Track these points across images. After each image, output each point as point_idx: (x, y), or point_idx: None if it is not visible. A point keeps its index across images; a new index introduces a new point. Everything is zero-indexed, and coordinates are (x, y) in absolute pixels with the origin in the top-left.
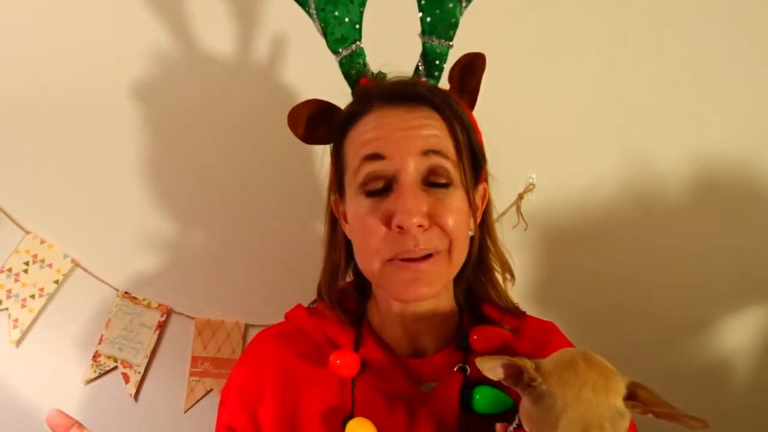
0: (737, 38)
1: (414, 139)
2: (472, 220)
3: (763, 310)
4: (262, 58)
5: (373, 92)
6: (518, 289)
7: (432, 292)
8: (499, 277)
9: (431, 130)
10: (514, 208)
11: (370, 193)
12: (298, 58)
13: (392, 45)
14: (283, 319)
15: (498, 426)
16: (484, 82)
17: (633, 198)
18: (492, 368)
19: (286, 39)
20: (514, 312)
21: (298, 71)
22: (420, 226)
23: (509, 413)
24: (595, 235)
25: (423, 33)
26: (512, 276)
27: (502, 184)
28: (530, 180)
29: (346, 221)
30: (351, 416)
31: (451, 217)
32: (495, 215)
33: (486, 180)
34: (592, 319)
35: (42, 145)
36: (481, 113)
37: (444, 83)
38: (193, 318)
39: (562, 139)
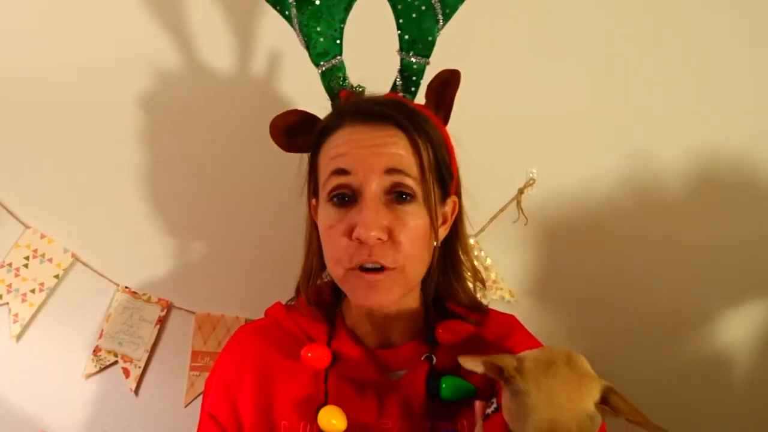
0: (737, 34)
1: (378, 156)
2: (438, 232)
3: (762, 304)
4: (260, 62)
5: (345, 108)
6: (518, 283)
7: (390, 300)
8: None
9: (395, 148)
10: (515, 203)
11: (336, 204)
12: (294, 64)
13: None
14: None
15: (477, 404)
16: (483, 77)
17: (633, 193)
18: (473, 366)
19: (281, 48)
20: (479, 308)
21: (295, 76)
22: (379, 239)
23: (473, 400)
24: (595, 230)
25: (401, 50)
26: (483, 285)
27: (503, 179)
28: (530, 175)
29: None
30: (324, 404)
31: (407, 236)
32: (466, 225)
33: (458, 193)
34: (592, 313)
35: (42, 140)
36: (481, 110)
37: (420, 99)
38: (194, 313)
39: (562, 135)
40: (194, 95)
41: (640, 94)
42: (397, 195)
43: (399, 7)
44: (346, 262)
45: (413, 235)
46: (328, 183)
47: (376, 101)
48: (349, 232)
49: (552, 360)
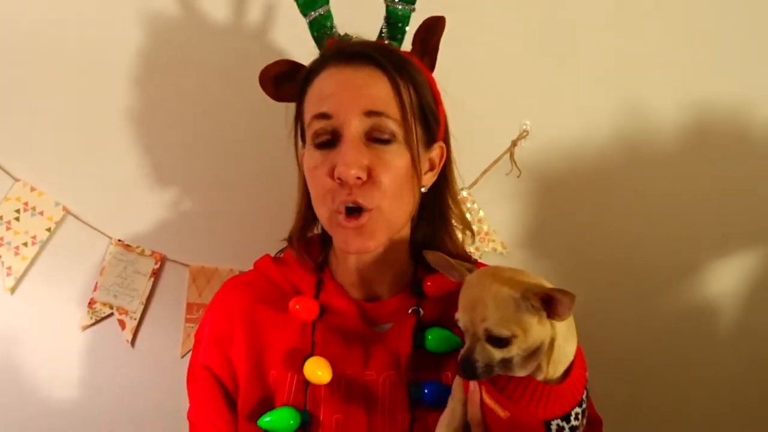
0: None
1: (358, 98)
2: (424, 177)
3: (750, 256)
4: (253, 14)
5: (328, 52)
6: (511, 235)
7: (373, 245)
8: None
9: (375, 90)
10: (508, 155)
11: (318, 146)
12: (287, 19)
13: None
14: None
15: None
16: (478, 29)
17: (625, 145)
18: (435, 261)
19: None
20: (467, 261)
21: (288, 28)
22: (358, 178)
23: (458, 352)
24: (587, 183)
25: None
26: (472, 233)
27: (496, 131)
28: (524, 127)
29: None
30: (310, 355)
31: (387, 175)
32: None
33: (446, 140)
34: (584, 265)
35: (32, 91)
36: (474, 61)
37: (407, 48)
38: (188, 265)
39: (556, 87)
40: (187, 45)
41: (634, 47)
42: (378, 135)
43: None
44: (329, 202)
45: (394, 175)
46: (310, 126)
47: (357, 43)
48: (332, 172)
49: (498, 269)
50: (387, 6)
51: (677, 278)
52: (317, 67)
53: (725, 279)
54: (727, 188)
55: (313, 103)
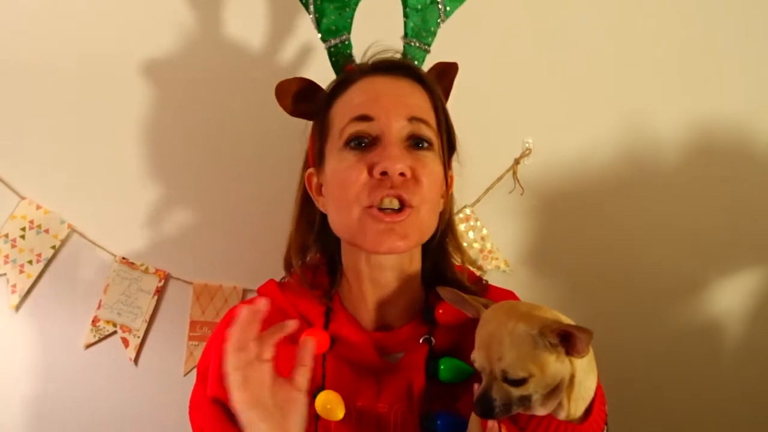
0: (734, 1)
1: (401, 104)
2: (448, 183)
3: (755, 273)
4: (260, 36)
5: (358, 68)
6: (514, 252)
7: (405, 245)
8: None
9: (416, 99)
10: (511, 173)
11: (354, 148)
12: (296, 37)
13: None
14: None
15: (476, 386)
16: (481, 48)
17: (628, 162)
18: (452, 298)
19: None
20: (478, 285)
21: (296, 51)
22: (402, 174)
23: (472, 382)
24: (590, 200)
25: (405, 35)
26: (473, 266)
27: (499, 149)
28: (526, 145)
29: (321, 194)
30: (322, 388)
31: (428, 178)
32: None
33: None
34: (587, 282)
35: (37, 110)
36: (477, 79)
37: None
38: (191, 283)
39: (558, 105)
40: (193, 63)
41: (636, 64)
42: (416, 141)
43: None
44: (364, 199)
45: (432, 180)
46: (346, 129)
47: (393, 57)
48: (370, 169)
49: (514, 304)
50: (405, 45)
51: (682, 295)
52: (350, 77)
53: (731, 296)
54: (732, 204)
55: (350, 108)
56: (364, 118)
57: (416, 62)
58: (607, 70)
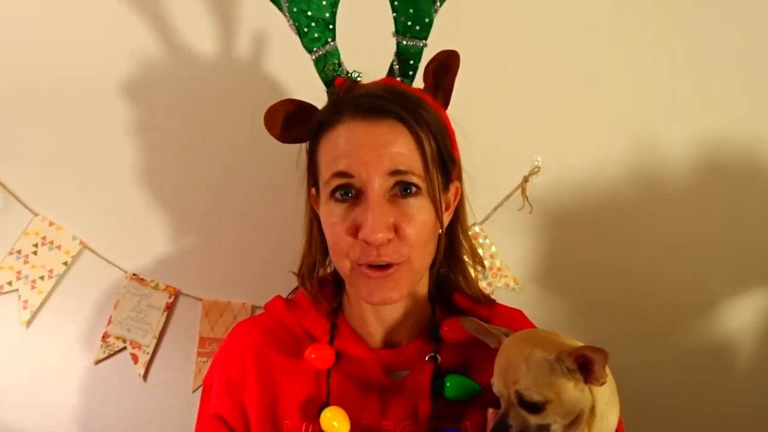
0: (743, 22)
1: (381, 157)
2: (443, 220)
3: (766, 290)
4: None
5: (343, 102)
6: (523, 270)
7: (398, 296)
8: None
9: (398, 147)
10: (519, 190)
11: (339, 200)
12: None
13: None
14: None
15: (490, 411)
16: (486, 65)
17: (637, 182)
18: (470, 327)
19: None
20: (485, 301)
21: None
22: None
23: (478, 399)
24: (599, 219)
25: (397, 32)
26: (483, 267)
27: (508, 167)
28: (535, 163)
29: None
30: (326, 405)
31: (414, 230)
32: (468, 209)
33: (459, 178)
34: (596, 300)
35: (50, 127)
36: (487, 97)
37: (419, 81)
38: (201, 299)
39: (567, 123)
40: (205, 80)
41: (645, 83)
42: (402, 188)
43: None
44: (353, 256)
45: (420, 228)
46: (329, 183)
47: (375, 94)
48: (354, 231)
49: (532, 331)
50: (398, 43)
51: (692, 315)
52: (331, 118)
53: (741, 316)
54: (742, 223)
55: (330, 159)
56: (344, 174)
57: (412, 60)
58: (617, 89)
